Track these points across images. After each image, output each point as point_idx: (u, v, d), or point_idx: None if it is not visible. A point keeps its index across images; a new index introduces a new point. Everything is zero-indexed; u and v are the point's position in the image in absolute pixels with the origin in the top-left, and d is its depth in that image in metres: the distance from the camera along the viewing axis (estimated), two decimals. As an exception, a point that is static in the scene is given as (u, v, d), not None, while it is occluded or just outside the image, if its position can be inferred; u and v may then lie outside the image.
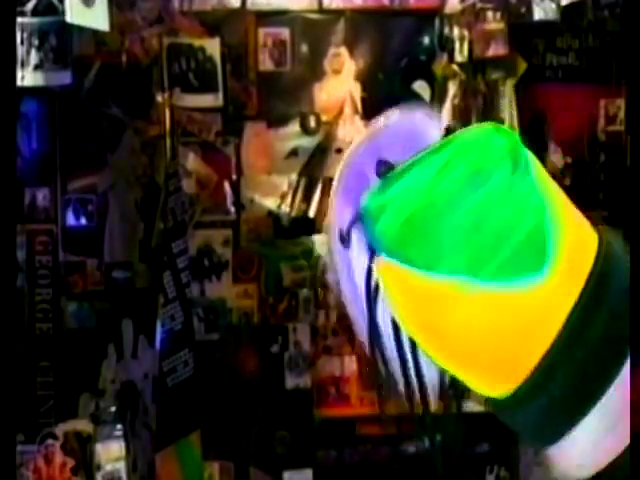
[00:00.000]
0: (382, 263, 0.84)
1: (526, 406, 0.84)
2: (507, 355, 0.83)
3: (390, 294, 0.85)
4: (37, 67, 3.73)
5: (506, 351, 0.83)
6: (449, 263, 0.80)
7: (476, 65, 4.68)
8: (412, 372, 0.88)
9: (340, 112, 4.90)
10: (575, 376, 0.82)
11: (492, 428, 4.20)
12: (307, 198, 4.93)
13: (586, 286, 0.82)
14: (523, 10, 4.18)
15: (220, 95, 4.72)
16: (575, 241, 0.84)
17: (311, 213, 4.94)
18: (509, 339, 0.83)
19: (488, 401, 0.88)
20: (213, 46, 4.70)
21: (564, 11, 4.09)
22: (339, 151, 4.89)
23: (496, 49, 4.46)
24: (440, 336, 0.84)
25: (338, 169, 0.86)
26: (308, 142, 4.91)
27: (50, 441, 3.32)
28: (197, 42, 4.70)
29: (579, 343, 0.82)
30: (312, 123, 4.89)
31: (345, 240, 0.86)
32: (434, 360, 0.87)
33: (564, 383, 0.83)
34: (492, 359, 0.84)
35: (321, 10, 4.86)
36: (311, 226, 4.93)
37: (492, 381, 0.85)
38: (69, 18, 3.30)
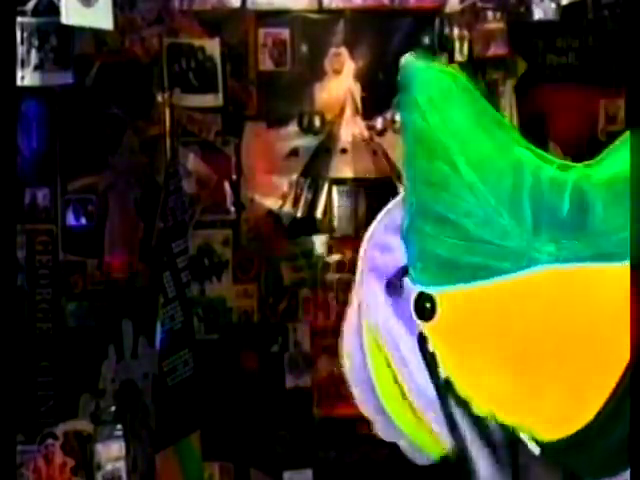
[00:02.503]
0: (444, 294, 0.82)
1: (580, 450, 0.82)
2: (583, 380, 0.81)
3: (454, 332, 0.83)
4: (37, 67, 3.72)
5: (584, 371, 0.81)
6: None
7: (476, 65, 4.67)
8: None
9: (340, 112, 4.90)
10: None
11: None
12: (307, 198, 4.94)
13: None
14: (522, 10, 4.18)
15: (220, 95, 4.72)
16: None
17: (311, 213, 4.95)
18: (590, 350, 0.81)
19: (538, 444, 0.85)
20: (213, 46, 4.70)
21: (564, 11, 4.09)
22: (344, 151, 4.90)
23: (496, 49, 4.46)
24: (518, 361, 0.81)
25: (362, 245, 0.87)
26: (308, 142, 4.91)
27: (50, 441, 3.31)
28: (197, 42, 4.71)
29: None
30: (312, 123, 4.90)
31: (396, 288, 0.85)
32: (499, 402, 0.83)
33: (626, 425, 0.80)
34: (566, 387, 0.81)
35: (321, 10, 4.87)
36: (311, 226, 4.94)
37: (554, 420, 0.82)
38: (65, 19, 3.27)
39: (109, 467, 3.36)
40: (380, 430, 0.92)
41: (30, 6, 3.68)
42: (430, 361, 0.83)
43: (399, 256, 0.85)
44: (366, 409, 0.92)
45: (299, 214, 4.92)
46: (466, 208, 0.80)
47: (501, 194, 0.80)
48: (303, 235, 4.90)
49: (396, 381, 0.88)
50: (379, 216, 0.88)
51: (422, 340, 0.83)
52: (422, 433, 0.89)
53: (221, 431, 4.65)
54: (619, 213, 0.80)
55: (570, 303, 0.80)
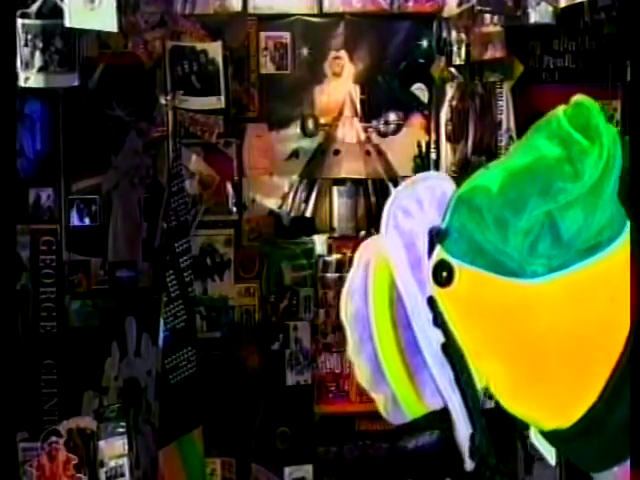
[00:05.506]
0: (463, 270, 0.85)
1: (589, 435, 0.84)
2: (581, 369, 0.83)
3: (464, 306, 0.86)
4: (42, 69, 3.73)
5: (582, 360, 0.83)
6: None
7: (473, 68, 4.67)
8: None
9: (340, 114, 4.93)
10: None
11: (491, 426, 4.23)
12: (308, 199, 4.96)
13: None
14: (519, 13, 4.18)
15: (222, 97, 4.70)
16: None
17: (311, 213, 4.97)
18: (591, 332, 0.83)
19: (545, 433, 0.87)
20: (215, 49, 4.69)
21: (561, 14, 4.09)
22: (336, 153, 4.91)
23: (493, 52, 4.44)
24: (520, 345, 0.84)
25: (385, 208, 0.90)
26: (309, 144, 4.93)
27: (54, 438, 3.30)
28: (199, 45, 4.69)
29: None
30: (313, 125, 4.92)
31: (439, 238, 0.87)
32: (500, 387, 0.86)
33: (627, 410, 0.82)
34: (566, 376, 0.84)
35: (321, 14, 4.87)
36: (311, 226, 4.95)
37: (558, 407, 0.85)
38: (68, 22, 3.27)
39: (112, 464, 3.36)
40: (364, 378, 0.93)
41: (34, 8, 3.69)
42: (440, 322, 0.86)
43: (416, 223, 0.88)
44: (357, 357, 0.93)
45: (299, 214, 4.95)
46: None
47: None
48: (304, 235, 4.91)
49: (395, 329, 0.90)
50: (404, 183, 0.90)
51: (431, 301, 0.87)
52: (407, 388, 0.91)
53: (223, 427, 4.67)
54: (592, 210, 0.84)
55: (568, 305, 0.83)
